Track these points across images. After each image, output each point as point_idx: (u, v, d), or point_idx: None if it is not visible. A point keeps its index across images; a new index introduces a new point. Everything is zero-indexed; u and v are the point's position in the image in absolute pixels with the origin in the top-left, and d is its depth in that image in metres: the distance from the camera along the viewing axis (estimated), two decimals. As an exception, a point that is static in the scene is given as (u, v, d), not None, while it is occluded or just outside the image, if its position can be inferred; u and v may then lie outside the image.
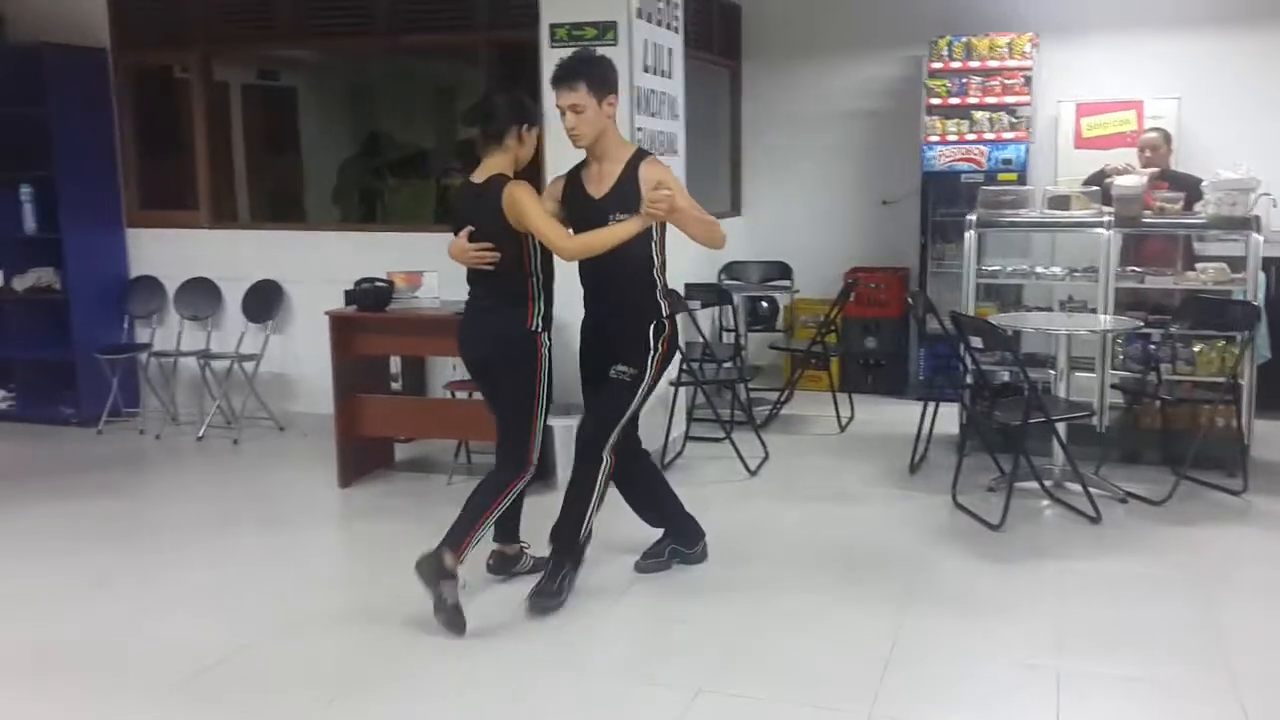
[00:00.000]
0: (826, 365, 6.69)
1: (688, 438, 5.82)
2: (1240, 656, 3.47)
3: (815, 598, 3.97)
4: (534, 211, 3.61)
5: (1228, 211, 5.30)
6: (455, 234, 3.78)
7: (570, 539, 3.85)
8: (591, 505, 3.82)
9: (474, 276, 3.84)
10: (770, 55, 7.66)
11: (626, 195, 3.68)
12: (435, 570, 3.56)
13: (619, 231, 3.62)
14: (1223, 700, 3.19)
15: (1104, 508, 4.76)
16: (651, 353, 3.78)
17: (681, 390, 5.77)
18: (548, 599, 3.78)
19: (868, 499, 5.16)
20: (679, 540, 4.22)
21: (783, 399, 6.67)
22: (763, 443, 5.72)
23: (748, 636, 3.67)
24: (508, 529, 4.05)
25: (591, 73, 3.67)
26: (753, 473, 5.48)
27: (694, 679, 3.33)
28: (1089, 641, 3.60)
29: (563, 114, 3.67)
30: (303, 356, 6.28)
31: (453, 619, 3.59)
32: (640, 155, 3.79)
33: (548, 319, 3.82)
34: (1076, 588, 4.05)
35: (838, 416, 6.48)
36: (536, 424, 3.78)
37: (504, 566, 4.09)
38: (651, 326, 3.78)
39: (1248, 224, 5.24)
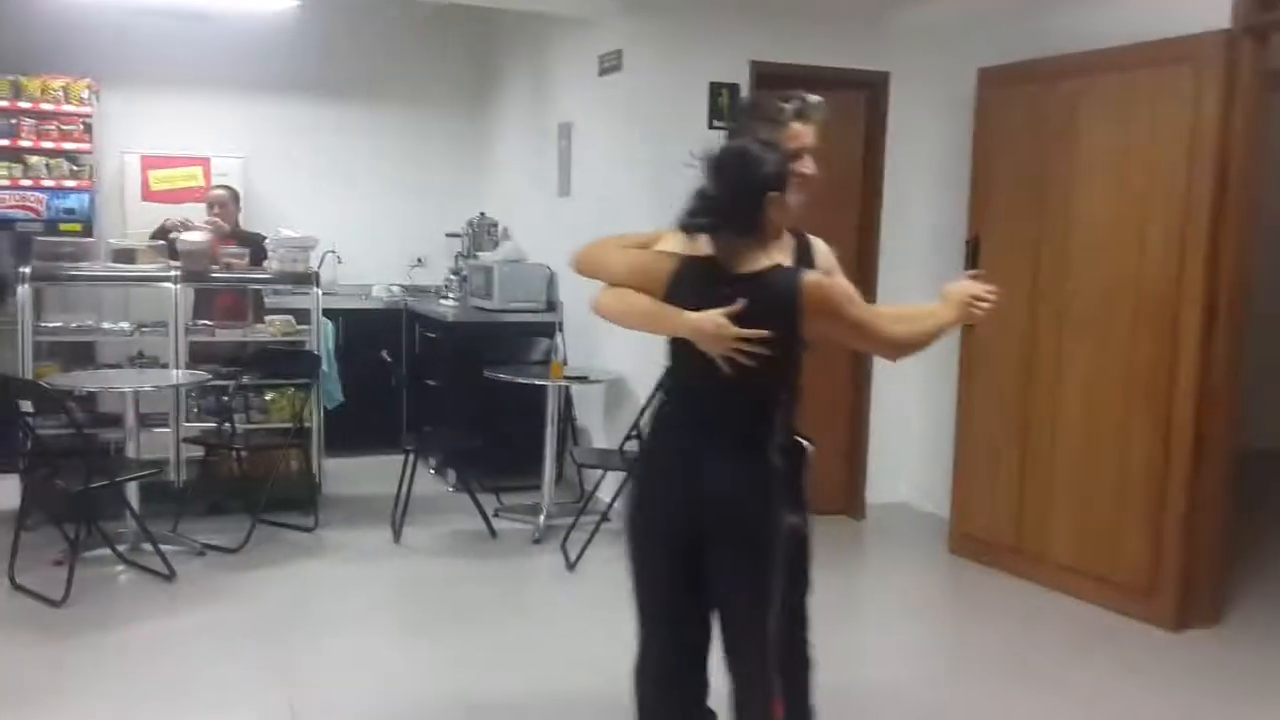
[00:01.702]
0: None
1: None
2: (300, 691, 3.58)
3: None
4: None
5: (290, 267, 5.61)
6: None
7: None
8: None
9: None
10: None
11: None
12: None
13: None
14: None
15: (181, 563, 4.65)
16: None
17: None
18: None
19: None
20: None
21: None
22: None
23: None
24: None
25: None
26: None
27: None
28: (157, 708, 3.43)
29: None
30: None
31: None
32: None
33: None
34: (145, 653, 3.84)
35: None
36: None
37: None
38: None
39: (309, 279, 5.59)
